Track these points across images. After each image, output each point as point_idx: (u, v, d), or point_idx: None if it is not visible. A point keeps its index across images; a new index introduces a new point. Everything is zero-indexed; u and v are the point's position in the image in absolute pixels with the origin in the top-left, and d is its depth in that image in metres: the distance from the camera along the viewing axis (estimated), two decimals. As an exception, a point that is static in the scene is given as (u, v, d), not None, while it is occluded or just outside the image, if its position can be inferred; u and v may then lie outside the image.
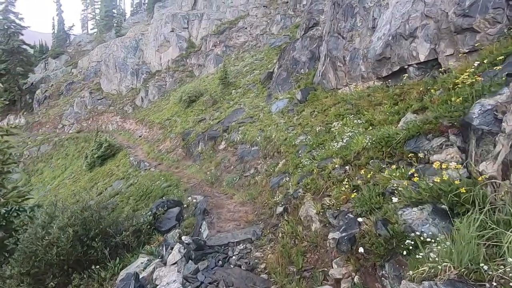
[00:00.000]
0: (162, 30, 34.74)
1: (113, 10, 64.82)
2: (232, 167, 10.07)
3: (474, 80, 4.09)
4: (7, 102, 43.29)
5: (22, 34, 43.65)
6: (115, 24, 53.27)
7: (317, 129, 7.79)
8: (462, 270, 1.99)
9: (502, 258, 1.96)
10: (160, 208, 6.95)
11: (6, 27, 41.05)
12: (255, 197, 6.78)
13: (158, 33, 35.03)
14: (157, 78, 33.18)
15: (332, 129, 7.32)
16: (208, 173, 10.69)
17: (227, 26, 32.80)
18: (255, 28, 30.41)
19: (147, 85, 32.79)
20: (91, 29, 65.19)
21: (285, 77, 15.17)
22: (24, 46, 43.80)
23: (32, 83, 48.58)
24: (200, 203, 6.96)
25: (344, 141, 5.83)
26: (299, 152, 7.37)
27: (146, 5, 60.84)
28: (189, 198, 7.87)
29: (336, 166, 4.90)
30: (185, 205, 7.27)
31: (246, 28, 31.29)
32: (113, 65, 36.19)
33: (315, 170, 5.33)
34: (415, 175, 3.33)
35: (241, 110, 14.76)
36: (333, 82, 10.09)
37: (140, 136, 24.64)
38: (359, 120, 6.86)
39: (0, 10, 41.36)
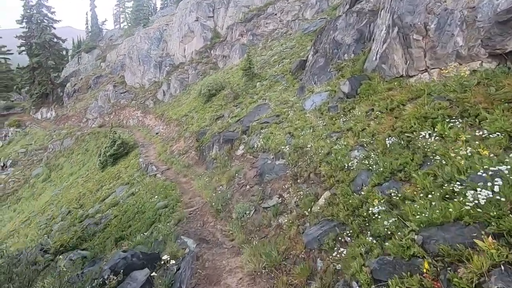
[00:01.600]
0: (187, 20, 32.59)
1: (144, 5, 64.62)
2: (247, 186, 7.17)
3: None
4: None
5: (54, 28, 44.15)
6: (143, 17, 52.50)
7: (386, 141, 4.59)
8: None
9: None
10: (118, 269, 4.25)
11: (39, 21, 41.58)
12: (277, 265, 3.86)
13: (182, 22, 32.95)
14: (179, 71, 31.18)
15: (418, 144, 4.11)
16: (217, 191, 7.90)
17: (255, 13, 29.79)
18: (286, 14, 27.05)
19: (170, 78, 30.92)
20: (122, 24, 65.52)
21: (322, 64, 11.90)
22: (56, 40, 44.28)
23: (66, 76, 49.48)
24: (184, 267, 4.17)
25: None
26: (357, 181, 4.25)
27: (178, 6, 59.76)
28: (178, 241, 5.12)
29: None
30: (162, 261, 4.51)
31: (275, 15, 28.04)
32: (136, 58, 34.87)
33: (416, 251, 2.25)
34: None
35: (266, 107, 11.78)
36: (400, 66, 6.74)
37: (157, 133, 22.66)
38: (478, 131, 3.62)
39: (33, 5, 41.99)
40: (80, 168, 24.61)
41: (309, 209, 4.60)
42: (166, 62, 33.36)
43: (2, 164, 31.23)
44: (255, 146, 9.08)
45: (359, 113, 6.37)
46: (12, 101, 54.24)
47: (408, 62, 6.47)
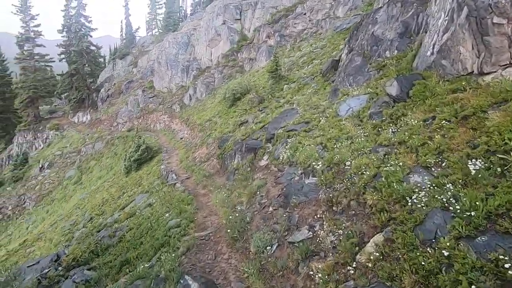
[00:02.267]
0: (214, 23, 32.32)
1: (174, 11, 66.27)
2: (270, 208, 6.00)
3: None
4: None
5: (91, 36, 46.40)
6: (173, 24, 53.63)
7: (467, 164, 3.19)
8: None
9: None
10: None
11: (77, 30, 43.90)
12: None
13: (210, 26, 32.73)
14: (206, 75, 30.88)
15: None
16: (236, 211, 6.81)
17: (283, 13, 28.68)
18: (315, 13, 25.61)
19: (196, 82, 30.71)
20: (154, 30, 67.68)
21: (359, 64, 10.44)
22: (92, 47, 46.47)
23: (101, 82, 51.85)
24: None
25: None
26: (428, 225, 2.91)
27: (204, 4, 60.50)
28: (181, 281, 4.09)
29: None
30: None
31: (305, 14, 26.70)
32: (165, 62, 35.27)
33: None
34: None
35: (294, 112, 10.55)
36: (469, 60, 5.21)
37: (181, 138, 22.26)
38: None
39: (73, 15, 44.44)
40: (108, 172, 24.94)
41: (352, 258, 3.33)
42: (193, 66, 33.30)
43: (40, 166, 32.91)
44: (281, 157, 7.88)
45: (415, 121, 4.95)
46: (55, 105, 58.03)
47: (483, 55, 4.93)
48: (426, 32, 7.48)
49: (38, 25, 47.32)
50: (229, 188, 9.26)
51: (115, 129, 34.56)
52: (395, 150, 4.58)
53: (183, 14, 71.06)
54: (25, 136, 47.81)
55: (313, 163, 6.05)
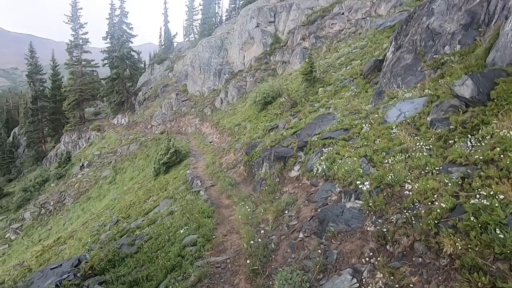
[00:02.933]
0: (247, 26, 31.92)
1: (212, 18, 67.71)
2: (301, 234, 4.90)
3: None
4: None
5: (132, 42, 48.72)
6: (208, 29, 54.59)
7: None
8: None
9: None
10: None
11: (119, 36, 46.34)
12: None
13: (243, 30, 32.40)
14: (238, 78, 30.48)
15: None
16: (259, 232, 5.80)
17: (319, 14, 27.36)
18: (354, 12, 23.97)
19: (228, 86, 30.42)
20: (190, 36, 69.65)
21: (409, 62, 8.96)
22: (132, 53, 48.75)
23: (139, 86, 54.24)
24: None
25: None
26: None
27: (239, 9, 60.98)
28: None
29: None
30: None
31: (342, 14, 25.16)
32: (198, 66, 35.60)
33: None
34: None
35: (330, 117, 9.32)
36: None
37: (210, 142, 21.86)
38: None
39: (116, 22, 47.05)
40: (140, 173, 25.35)
41: None
42: (226, 70, 33.14)
43: (81, 164, 34.75)
44: (314, 170, 6.73)
45: (506, 132, 3.58)
46: (100, 108, 61.89)
47: None
48: (506, 19, 5.91)
49: (86, 33, 50.91)
50: (255, 201, 8.28)
51: (149, 131, 35.48)
52: (480, 173, 3.26)
53: (218, 20, 72.42)
54: (71, 136, 51.39)
55: (356, 181, 4.85)
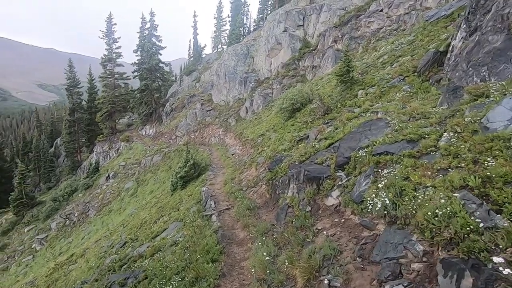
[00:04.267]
0: (274, 31, 30.23)
1: (240, 29, 67.60)
2: None
3: None
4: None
5: (161, 54, 49.36)
6: (235, 38, 54.03)
7: None
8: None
9: None
10: None
11: (148, 48, 47.14)
12: None
13: (270, 35, 30.75)
14: (264, 86, 28.65)
15: None
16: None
17: (353, 14, 24.88)
18: (396, 8, 21.19)
19: (253, 94, 28.68)
20: (218, 47, 69.94)
21: (500, 45, 6.33)
22: (161, 64, 49.32)
23: (168, 97, 54.75)
24: None
25: None
26: None
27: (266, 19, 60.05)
28: None
29: None
30: None
31: (381, 11, 22.46)
32: (223, 75, 34.45)
33: None
34: None
35: (381, 124, 6.86)
36: None
37: (232, 154, 19.98)
38: None
39: (146, 35, 48.06)
40: (160, 186, 24.11)
41: None
42: (251, 78, 31.54)
43: (107, 175, 34.68)
44: (368, 202, 4.36)
45: None
46: (132, 119, 63.54)
47: None
48: None
49: (119, 47, 52.71)
50: (277, 239, 6.02)
51: (173, 142, 34.68)
52: None
53: (246, 31, 72.21)
54: (103, 146, 52.73)
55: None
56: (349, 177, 6.06)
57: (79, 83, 60.03)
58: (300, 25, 29.36)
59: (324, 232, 5.15)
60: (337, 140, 8.00)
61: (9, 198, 35.08)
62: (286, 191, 8.16)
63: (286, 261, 4.71)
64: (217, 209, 9.81)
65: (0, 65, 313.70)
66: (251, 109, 27.59)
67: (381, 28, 21.20)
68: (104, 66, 52.37)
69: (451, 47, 8.86)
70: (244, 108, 28.67)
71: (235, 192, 11.00)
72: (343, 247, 4.25)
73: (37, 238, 27.67)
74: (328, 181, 6.49)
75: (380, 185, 4.39)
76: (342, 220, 5.27)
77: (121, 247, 12.69)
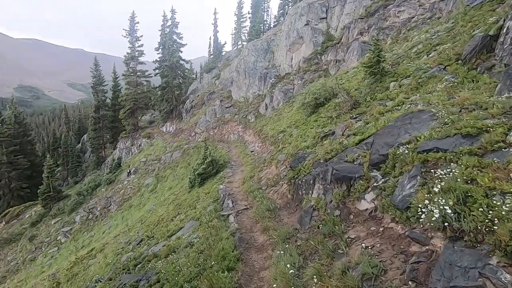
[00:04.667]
0: (296, 25, 29.20)
1: (260, 25, 66.74)
2: None
3: None
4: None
5: (181, 51, 49.63)
6: (255, 35, 53.28)
7: None
8: None
9: None
10: None
11: (169, 46, 47.54)
12: None
13: (291, 29, 29.75)
14: (284, 82, 27.76)
15: None
16: None
17: (380, 4, 23.37)
18: (429, -5, 19.54)
19: (273, 90, 27.88)
20: (238, 44, 69.55)
21: None
22: (182, 62, 49.61)
23: (188, 94, 55.13)
24: None
25: None
26: None
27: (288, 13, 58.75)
28: None
29: None
30: None
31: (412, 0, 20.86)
32: (243, 71, 33.88)
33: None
34: None
35: (425, 116, 5.90)
36: None
37: (252, 151, 19.35)
38: None
39: (167, 33, 48.48)
40: (178, 182, 23.98)
41: None
42: (271, 73, 30.73)
43: (128, 171, 35.29)
44: (420, 210, 3.52)
45: None
46: (154, 116, 64.75)
47: None
48: None
49: (141, 45, 53.60)
50: (302, 247, 5.28)
51: (192, 139, 34.65)
52: None
53: (267, 27, 71.24)
54: (125, 142, 54.01)
55: None
56: (387, 178, 5.20)
57: (104, 81, 61.81)
58: (323, 18, 28.13)
59: (359, 242, 4.36)
60: (369, 136, 7.11)
61: (38, 191, 36.61)
62: (310, 191, 7.38)
63: (314, 276, 3.97)
64: (234, 209, 9.20)
65: (34, 66, 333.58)
66: (271, 106, 26.83)
67: (413, 18, 19.66)
68: (127, 64, 53.47)
69: (504, 29, 7.66)
70: (264, 104, 27.95)
71: (254, 191, 10.34)
72: (387, 264, 3.45)
73: (62, 231, 28.59)
74: (361, 181, 5.66)
75: (435, 189, 3.53)
76: (381, 229, 4.44)
77: (137, 244, 12.46)
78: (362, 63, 12.77)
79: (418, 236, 3.48)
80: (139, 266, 9.24)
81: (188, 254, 7.10)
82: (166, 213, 14.86)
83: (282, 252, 5.13)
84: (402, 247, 3.66)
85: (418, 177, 4.22)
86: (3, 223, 39.27)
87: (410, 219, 3.79)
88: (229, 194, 10.90)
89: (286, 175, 9.89)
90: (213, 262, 5.44)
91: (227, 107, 33.95)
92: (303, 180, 8.04)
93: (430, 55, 11.07)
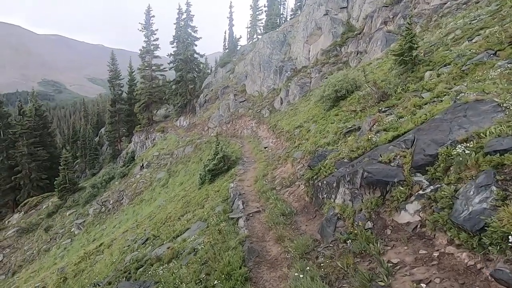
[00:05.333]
0: (314, 15, 27.72)
1: (276, 18, 65.07)
2: None
3: None
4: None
5: (196, 45, 49.01)
6: (271, 28, 51.85)
7: None
8: None
9: None
10: None
11: (184, 39, 46.97)
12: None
13: (309, 20, 28.29)
14: (301, 75, 26.44)
15: None
16: None
17: (408, -10, 21.54)
18: (464, -21, 17.64)
19: (289, 84, 26.64)
20: (254, 38, 68.27)
21: None
22: (196, 55, 48.98)
23: (202, 89, 54.59)
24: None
25: None
26: None
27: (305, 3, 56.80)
28: None
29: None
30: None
31: (444, -16, 18.96)
32: (258, 64, 32.77)
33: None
34: None
35: (484, 107, 4.67)
36: None
37: (265, 148, 18.34)
38: None
39: (182, 26, 47.90)
40: (190, 178, 23.36)
41: None
42: (287, 66, 29.44)
43: (141, 165, 35.17)
44: (500, 237, 2.40)
45: None
46: (169, 111, 64.86)
47: None
48: None
49: (157, 39, 53.36)
50: (324, 267, 4.25)
51: (205, 134, 34.01)
52: None
53: (283, 21, 69.47)
54: (140, 136, 54.26)
55: None
56: (438, 185, 4.07)
57: (120, 75, 62.29)
58: (344, 7, 26.50)
59: (406, 271, 3.28)
60: (406, 132, 5.95)
61: (54, 183, 37.20)
62: (333, 196, 6.31)
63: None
64: (245, 212, 8.25)
65: (57, 61, 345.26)
66: (286, 100, 25.63)
67: (445, 3, 17.85)
68: (142, 58, 53.43)
69: None
70: (279, 98, 26.78)
71: (267, 191, 9.34)
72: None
73: (76, 223, 28.77)
74: (401, 188, 4.54)
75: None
76: (435, 254, 3.34)
77: (142, 244, 11.80)
78: (391, 51, 11.40)
79: (509, 278, 2.37)
80: (140, 269, 8.51)
81: (191, 263, 6.22)
82: (174, 210, 14.16)
83: (300, 273, 4.11)
84: (458, 270, 2.56)
85: (493, 187, 3.08)
86: (22, 212, 40.35)
87: (489, 247, 2.68)
88: (239, 194, 9.96)
89: (303, 175, 8.83)
90: (216, 281, 4.51)
91: (241, 102, 33.01)
92: (324, 182, 6.97)
93: (473, 40, 9.61)
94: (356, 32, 24.64)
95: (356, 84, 13.40)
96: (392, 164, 5.02)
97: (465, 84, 6.95)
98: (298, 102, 22.97)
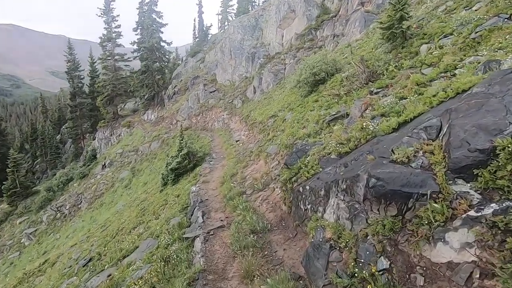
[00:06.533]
0: (287, -3, 25.76)
1: (248, 7, 62.25)
2: None
3: None
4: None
5: (162, 32, 45.31)
6: (242, 13, 49.25)
7: None
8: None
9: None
10: None
11: (148, 26, 43.13)
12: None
13: (281, 2, 26.31)
14: (274, 61, 24.55)
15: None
16: None
17: (385, -31, 20.17)
18: (445, -46, 16.45)
19: (262, 72, 24.67)
20: (225, 25, 65.16)
21: None
22: (162, 43, 45.36)
23: (170, 79, 51.06)
24: None
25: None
26: None
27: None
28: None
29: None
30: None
31: (424, -39, 17.73)
32: (228, 51, 30.42)
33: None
34: None
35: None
36: None
37: (237, 141, 16.37)
38: None
39: (145, 11, 43.93)
40: (155, 176, 20.90)
41: None
42: (260, 53, 27.39)
43: (103, 164, 31.85)
44: None
45: None
46: (137, 104, 60.36)
47: None
48: None
49: (119, 26, 48.76)
50: None
51: (173, 128, 31.29)
52: None
53: (255, 7, 66.76)
54: (104, 132, 49.93)
55: None
56: (504, 202, 2.34)
57: (80, 66, 56.93)
58: (318, -12, 24.75)
59: None
60: (417, 116, 4.25)
61: (2, 187, 32.82)
62: (320, 208, 4.51)
63: None
64: (205, 228, 6.27)
65: (13, 53, 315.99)
66: (259, 89, 23.69)
67: (426, -20, 16.61)
68: (103, 46, 48.65)
69: None
70: (252, 87, 24.77)
71: (235, 197, 7.40)
72: None
73: (26, 233, 25.25)
74: (434, 204, 2.78)
75: None
76: None
77: (84, 266, 9.46)
78: (380, 23, 9.74)
79: None
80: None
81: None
82: (128, 219, 11.85)
83: None
84: None
85: None
86: (-34, 223, 35.46)
87: None
88: (200, 201, 7.94)
89: (279, 175, 6.99)
90: None
91: (211, 92, 30.58)
92: (307, 188, 5.15)
93: (473, 8, 8.16)
94: (331, 15, 23.05)
95: (336, 66, 11.71)
96: (413, 165, 3.24)
97: (482, 54, 5.38)
98: (272, 90, 21.11)
